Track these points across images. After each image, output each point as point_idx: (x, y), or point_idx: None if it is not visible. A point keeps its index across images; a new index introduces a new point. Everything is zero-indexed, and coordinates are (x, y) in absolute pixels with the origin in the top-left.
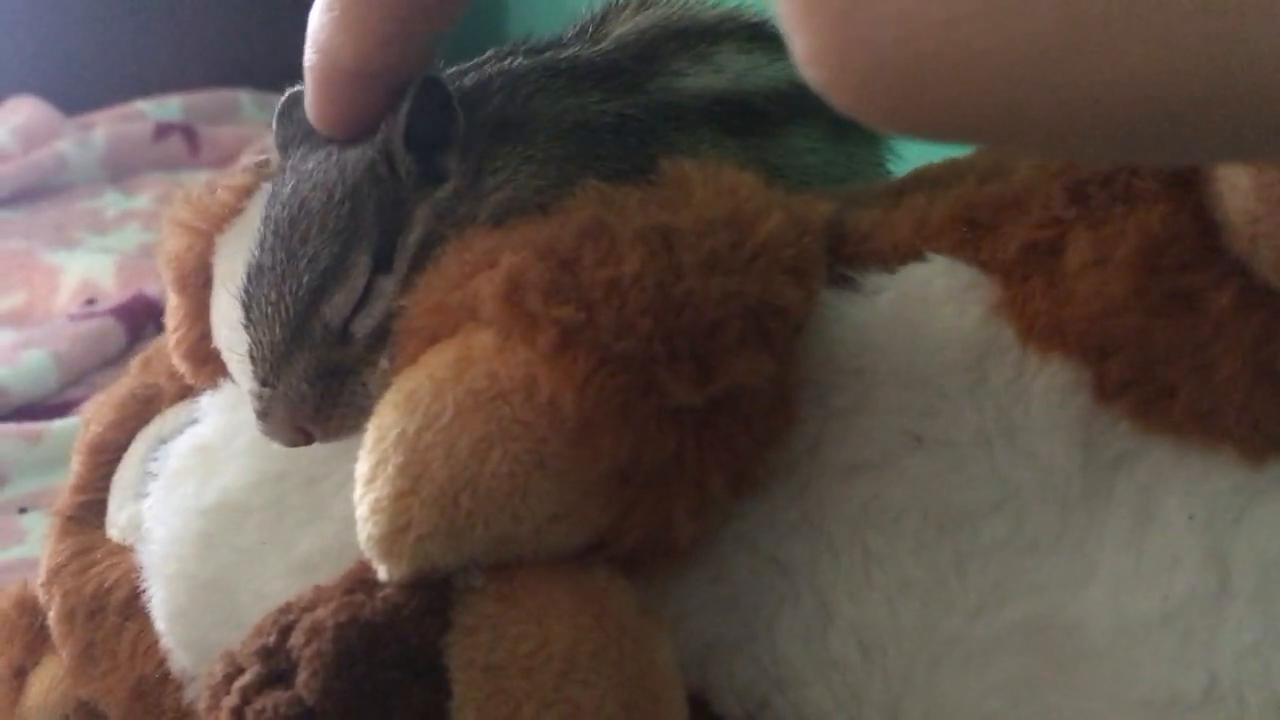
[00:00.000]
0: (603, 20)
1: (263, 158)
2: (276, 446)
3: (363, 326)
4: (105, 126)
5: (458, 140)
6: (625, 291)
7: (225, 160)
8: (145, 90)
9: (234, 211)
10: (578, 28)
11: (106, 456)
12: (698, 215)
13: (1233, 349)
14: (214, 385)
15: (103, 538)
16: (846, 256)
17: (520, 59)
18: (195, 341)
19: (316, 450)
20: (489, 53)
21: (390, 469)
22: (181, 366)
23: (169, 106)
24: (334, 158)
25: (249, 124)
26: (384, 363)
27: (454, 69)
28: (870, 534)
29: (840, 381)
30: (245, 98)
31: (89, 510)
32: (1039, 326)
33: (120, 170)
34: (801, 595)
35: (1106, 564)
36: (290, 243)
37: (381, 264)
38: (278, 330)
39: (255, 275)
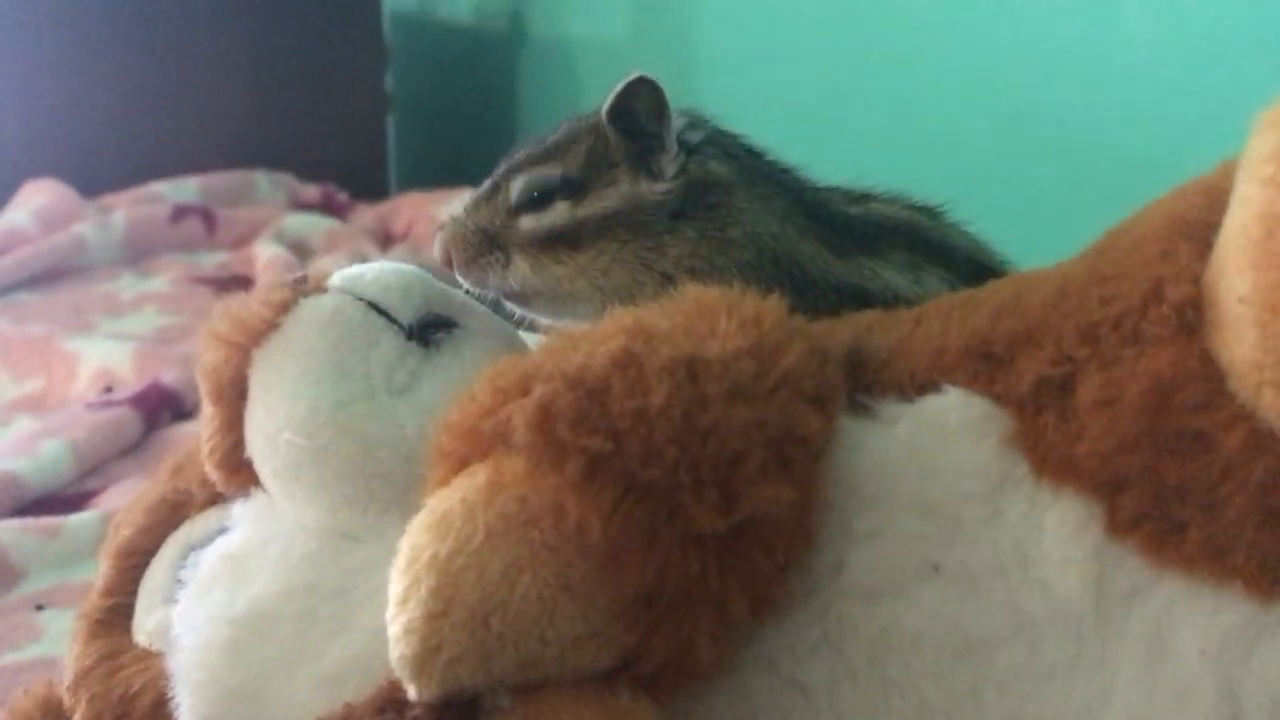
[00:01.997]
0: (867, 196)
1: (300, 275)
2: (305, 558)
3: (528, 224)
4: (124, 209)
5: (669, 144)
6: (652, 422)
7: (242, 241)
8: (162, 172)
9: (271, 326)
10: (841, 188)
11: (135, 561)
12: (723, 346)
13: (1241, 490)
14: (245, 494)
15: (130, 642)
16: (865, 384)
17: (790, 176)
18: (228, 451)
19: (345, 562)
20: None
21: (423, 591)
22: (214, 475)
23: (186, 188)
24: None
25: (265, 204)
26: (527, 268)
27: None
28: (889, 659)
29: (861, 508)
30: (261, 178)
31: (116, 614)
32: (1052, 460)
33: (138, 252)
34: (821, 716)
35: (1120, 694)
36: (527, 143)
37: (571, 190)
38: (487, 182)
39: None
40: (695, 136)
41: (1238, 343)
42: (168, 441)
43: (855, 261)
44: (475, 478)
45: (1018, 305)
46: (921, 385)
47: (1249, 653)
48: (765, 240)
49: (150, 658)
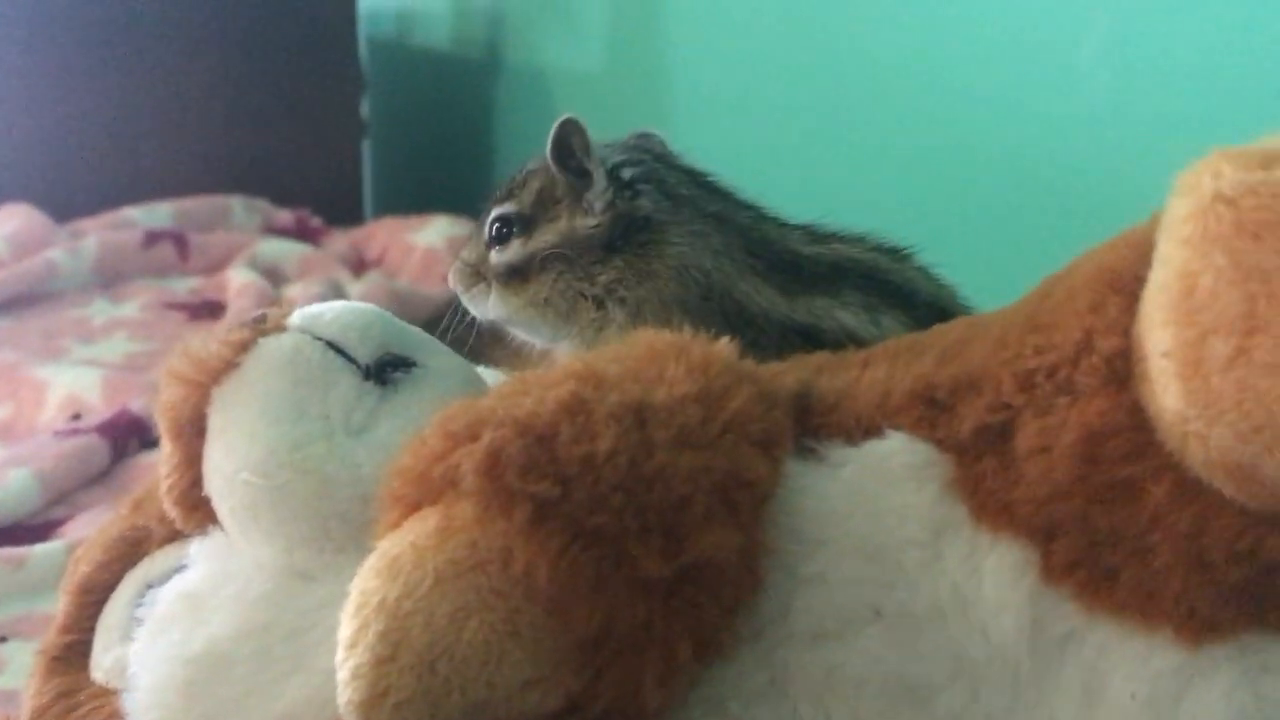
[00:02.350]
0: (830, 235)
1: (260, 313)
2: (262, 598)
3: (495, 258)
4: (96, 234)
5: (596, 181)
6: (599, 468)
7: (215, 267)
8: (135, 197)
9: (230, 366)
10: (812, 225)
11: (94, 597)
12: (670, 391)
13: (1169, 538)
14: (203, 532)
15: (87, 679)
16: (813, 428)
17: (731, 207)
18: (187, 489)
19: (301, 602)
20: (731, 190)
21: (371, 635)
22: (173, 512)
23: (159, 213)
24: None
25: (239, 230)
26: (498, 298)
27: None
28: (833, 701)
29: (806, 551)
30: (236, 203)
31: (74, 651)
32: (990, 506)
33: (110, 277)
34: None
35: None
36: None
37: (523, 227)
38: (482, 219)
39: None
40: (629, 173)
41: (1163, 395)
42: (136, 470)
43: (804, 300)
44: (425, 522)
45: (961, 351)
46: (867, 429)
47: (1179, 698)
48: (693, 274)
49: (107, 695)
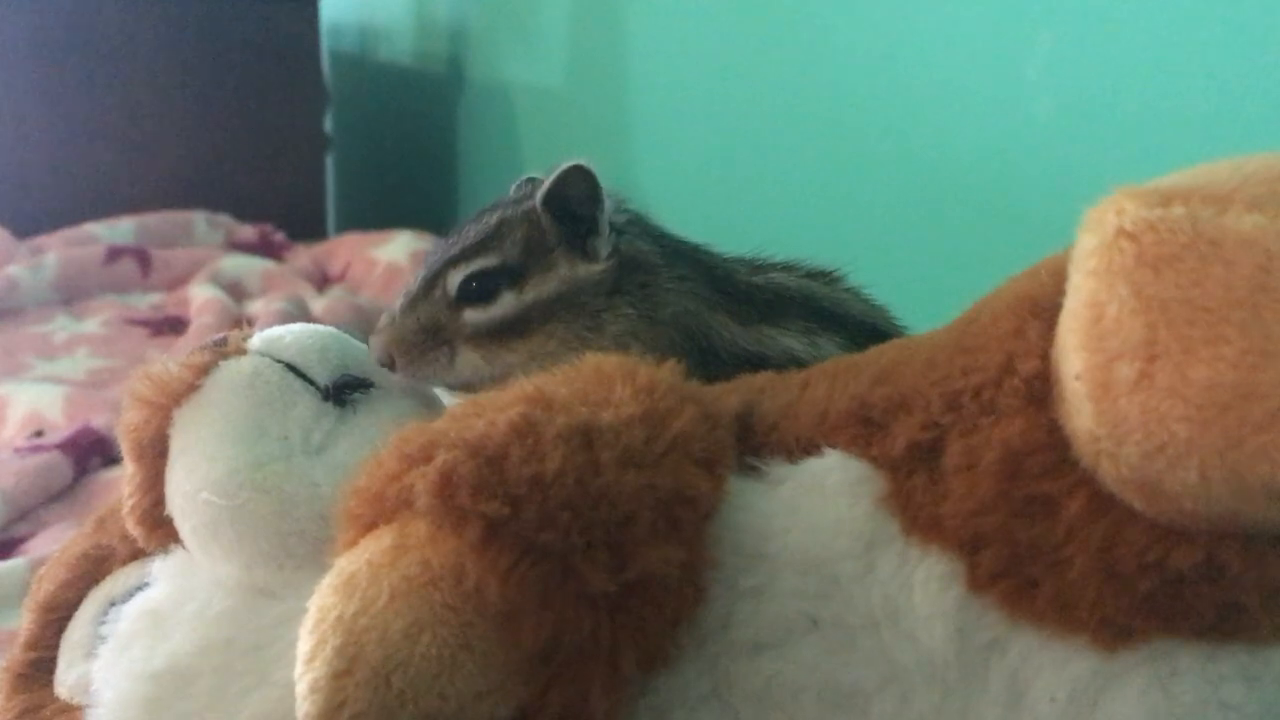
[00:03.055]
0: (767, 265)
1: (221, 335)
2: (222, 615)
3: (475, 316)
4: (57, 250)
5: (603, 227)
6: (547, 488)
7: (177, 282)
8: (97, 213)
9: (191, 388)
10: (743, 258)
11: (58, 615)
12: (616, 413)
13: (1083, 550)
14: (165, 550)
15: (51, 696)
16: (755, 446)
17: (686, 244)
18: (149, 508)
19: (262, 618)
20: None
21: (328, 650)
22: (135, 531)
23: (121, 229)
24: (520, 199)
25: (202, 246)
26: (478, 358)
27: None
28: (773, 709)
29: (747, 565)
30: (199, 219)
31: (38, 668)
32: (920, 520)
33: (72, 293)
34: None
35: None
36: (456, 232)
37: (513, 279)
38: (421, 278)
39: (433, 247)
40: (621, 218)
41: (1077, 415)
42: (98, 486)
43: (756, 329)
44: (381, 541)
45: (894, 372)
46: (806, 447)
47: (1095, 701)
48: (686, 320)
49: (72, 711)
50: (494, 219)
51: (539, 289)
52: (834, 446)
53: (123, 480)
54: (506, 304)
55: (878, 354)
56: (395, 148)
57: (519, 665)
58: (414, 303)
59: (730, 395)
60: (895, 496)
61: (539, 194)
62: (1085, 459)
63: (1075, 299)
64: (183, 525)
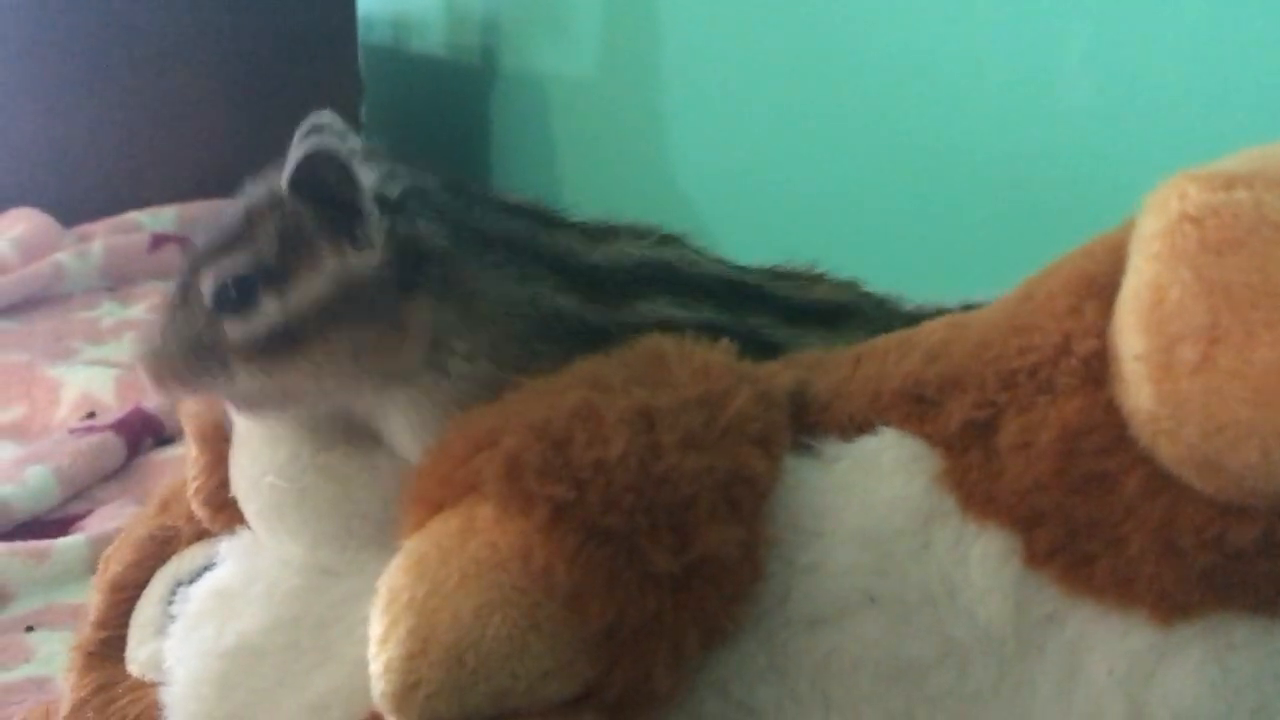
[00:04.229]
0: (609, 232)
1: None
2: (289, 594)
3: (237, 330)
4: (103, 238)
5: (368, 209)
6: (612, 471)
7: None
8: (141, 202)
9: None
10: (583, 222)
11: (126, 594)
12: (675, 395)
13: (1141, 527)
14: (231, 531)
15: (124, 673)
16: (808, 425)
17: (518, 222)
18: (213, 491)
19: (327, 596)
20: (494, 194)
21: (401, 631)
22: (200, 513)
23: (164, 218)
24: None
25: None
26: (258, 373)
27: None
28: (830, 683)
29: (803, 542)
30: None
31: (109, 646)
32: (976, 497)
33: (117, 280)
34: None
35: (1039, 712)
36: (205, 226)
37: (271, 281)
38: (174, 289)
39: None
40: (393, 191)
41: (1136, 395)
42: (150, 466)
43: (631, 306)
44: (448, 523)
45: (947, 351)
46: (859, 426)
47: (1152, 673)
48: (525, 309)
49: (143, 688)
50: (242, 206)
51: (305, 291)
52: (888, 424)
53: (186, 463)
54: (270, 312)
55: (929, 332)
56: (428, 138)
57: (585, 644)
58: (171, 313)
59: (783, 374)
60: (951, 474)
61: (283, 178)
62: (1143, 438)
63: (1137, 281)
64: (248, 508)
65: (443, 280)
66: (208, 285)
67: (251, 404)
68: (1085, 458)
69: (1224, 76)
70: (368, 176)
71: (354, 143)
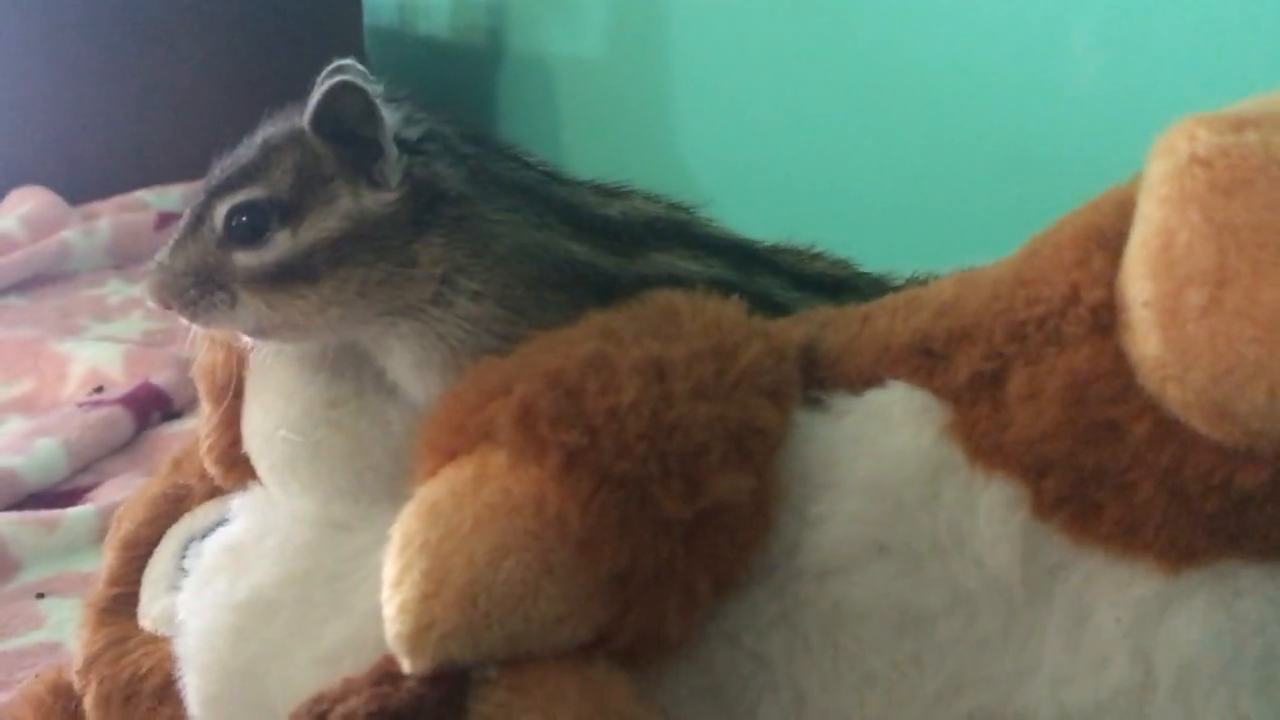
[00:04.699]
0: (623, 192)
1: None
2: (302, 548)
3: (246, 260)
4: (109, 216)
5: (389, 149)
6: (624, 418)
7: None
8: (147, 181)
9: None
10: (596, 182)
11: (139, 552)
12: (687, 346)
13: (1149, 473)
14: (243, 487)
15: (135, 628)
16: (818, 379)
17: (533, 173)
18: (226, 447)
19: (340, 550)
20: (510, 146)
21: (415, 574)
22: (213, 470)
23: (170, 196)
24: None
25: None
26: (261, 305)
27: (473, 144)
28: (841, 632)
29: (813, 494)
30: None
31: (122, 602)
32: (984, 448)
33: (123, 258)
34: (779, 686)
35: (1047, 660)
36: (224, 160)
37: (285, 215)
38: (187, 215)
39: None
40: (413, 133)
41: (1144, 342)
42: (158, 440)
43: (645, 257)
44: (462, 470)
45: (955, 305)
46: (868, 380)
47: (1159, 620)
48: (535, 251)
49: (156, 642)
50: (261, 141)
51: (318, 227)
52: (897, 378)
53: (199, 421)
54: (281, 245)
55: (938, 289)
56: None
57: (597, 590)
58: (183, 241)
59: (794, 329)
60: (959, 425)
61: (305, 115)
62: (1151, 385)
63: (1145, 227)
64: (260, 463)
65: (456, 220)
66: (220, 215)
67: (255, 333)
68: (1093, 406)
69: (1229, 59)
70: (390, 115)
71: (376, 86)
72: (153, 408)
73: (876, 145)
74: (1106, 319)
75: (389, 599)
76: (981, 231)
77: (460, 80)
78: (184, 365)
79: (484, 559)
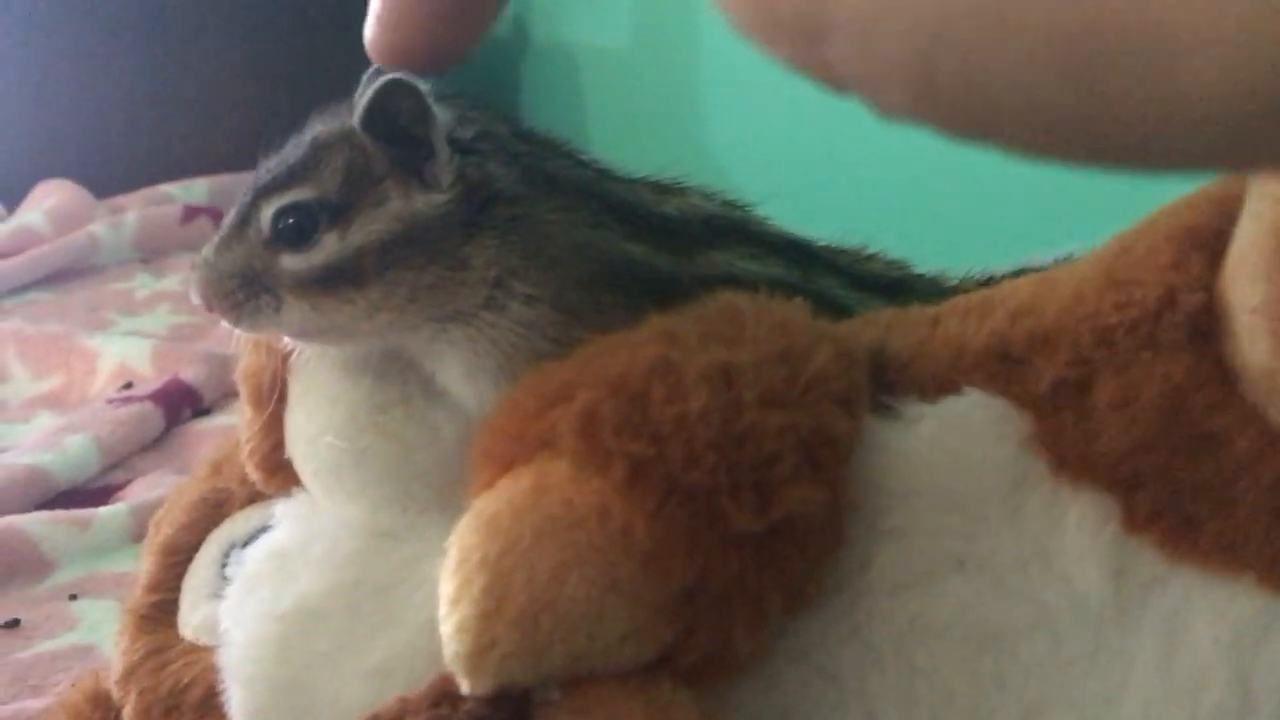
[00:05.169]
0: (678, 189)
1: None
2: (349, 556)
3: (293, 263)
4: (135, 209)
5: (440, 149)
6: (692, 427)
7: None
8: (173, 174)
9: None
10: (651, 179)
11: (179, 558)
12: (754, 351)
13: (1253, 488)
14: (286, 493)
15: (176, 637)
16: (888, 384)
17: (588, 171)
18: (268, 452)
19: (388, 560)
20: (563, 144)
21: (475, 590)
22: (254, 475)
23: (195, 189)
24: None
25: None
26: (307, 309)
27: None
28: (916, 649)
29: (887, 505)
30: None
31: (162, 610)
32: (1070, 459)
33: (150, 252)
34: (850, 706)
35: (1138, 683)
36: (270, 159)
37: (333, 216)
38: (233, 215)
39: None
40: (466, 133)
41: (1250, 350)
42: (189, 437)
43: (703, 256)
44: (521, 482)
45: (1033, 307)
46: (942, 386)
47: (1260, 641)
48: (591, 253)
49: (198, 651)
50: (310, 141)
51: (367, 229)
52: (972, 385)
53: (241, 425)
54: (329, 248)
55: (1012, 290)
56: None
57: (664, 607)
58: (228, 241)
59: (862, 331)
60: (1041, 435)
61: (355, 114)
62: (1256, 396)
63: (1255, 227)
64: (304, 469)
65: (510, 221)
66: (267, 216)
67: (300, 337)
68: (1191, 417)
69: None
70: (443, 114)
71: (426, 84)
72: (183, 404)
73: (909, 136)
74: (1205, 325)
75: (446, 617)
76: (1026, 227)
77: (484, 70)
78: (213, 361)
79: (546, 575)
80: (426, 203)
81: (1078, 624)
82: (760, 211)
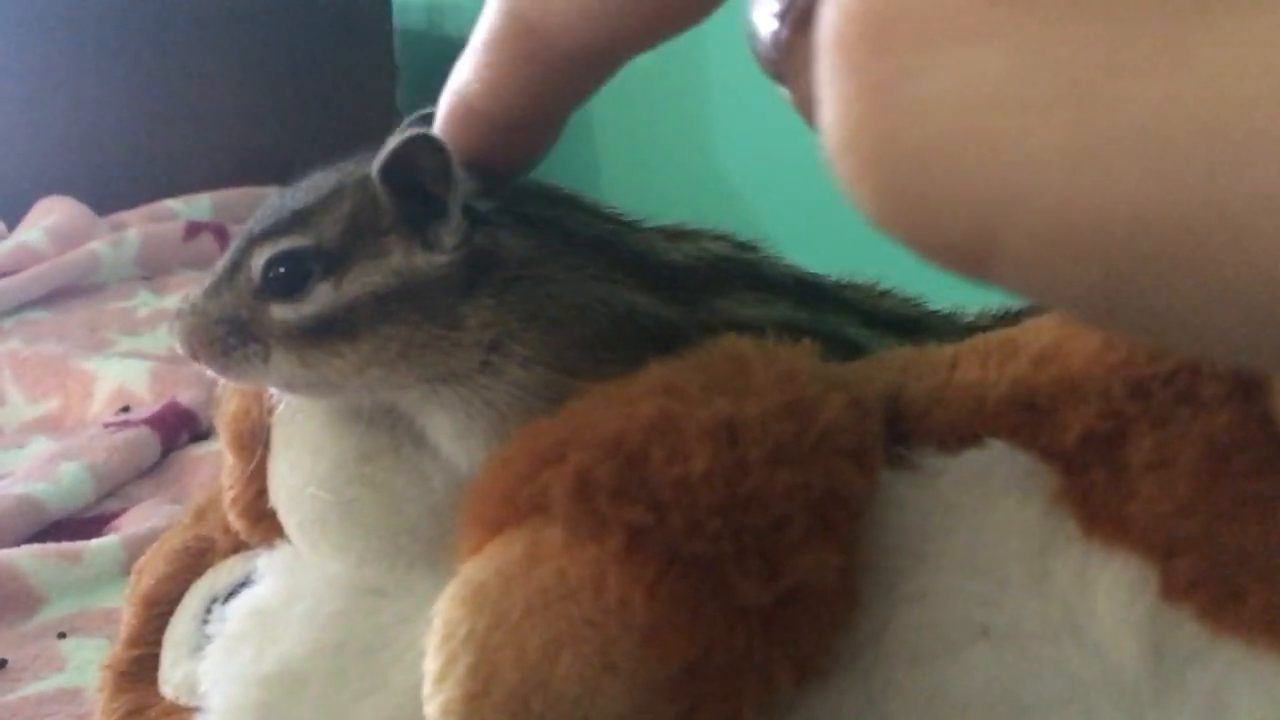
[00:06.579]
0: (690, 233)
1: None
2: (334, 616)
3: (283, 313)
4: (137, 226)
5: (453, 212)
6: (694, 490)
7: None
8: (175, 189)
9: None
10: (665, 225)
11: (159, 610)
12: (760, 403)
13: None
14: (270, 544)
15: (156, 694)
16: (904, 434)
17: (607, 226)
18: (251, 500)
19: (375, 619)
20: (587, 201)
21: (461, 669)
22: (237, 524)
23: (198, 205)
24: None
25: None
26: (295, 361)
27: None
28: None
29: (905, 567)
30: (273, 194)
31: (142, 665)
32: (1102, 519)
33: (152, 269)
34: None
35: None
36: (270, 204)
37: (328, 267)
38: (226, 260)
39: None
40: (485, 205)
41: None
42: (186, 462)
43: (708, 304)
44: (511, 548)
45: (1059, 352)
46: (961, 437)
47: None
48: (595, 310)
49: (178, 712)
50: (316, 187)
51: (363, 280)
52: (995, 436)
53: (223, 472)
54: (320, 299)
55: (1034, 332)
56: None
57: (665, 685)
58: (218, 287)
59: (875, 377)
60: (1070, 493)
61: (376, 162)
62: None
63: None
64: (288, 520)
65: (509, 282)
66: (258, 264)
67: (287, 388)
68: (1236, 479)
69: None
70: (466, 181)
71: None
72: (180, 428)
73: None
74: (1249, 378)
75: (430, 697)
76: None
77: None
78: (212, 384)
79: (537, 653)
80: (428, 262)
81: (1112, 699)
82: (772, 249)
